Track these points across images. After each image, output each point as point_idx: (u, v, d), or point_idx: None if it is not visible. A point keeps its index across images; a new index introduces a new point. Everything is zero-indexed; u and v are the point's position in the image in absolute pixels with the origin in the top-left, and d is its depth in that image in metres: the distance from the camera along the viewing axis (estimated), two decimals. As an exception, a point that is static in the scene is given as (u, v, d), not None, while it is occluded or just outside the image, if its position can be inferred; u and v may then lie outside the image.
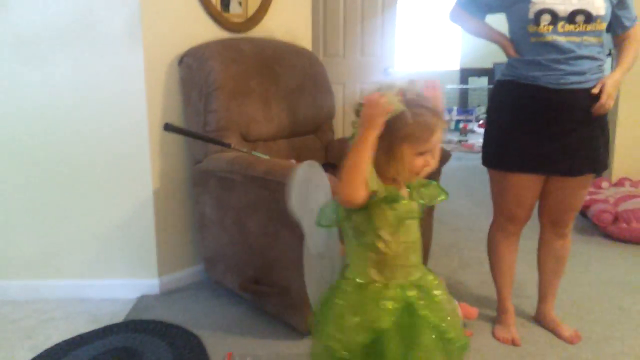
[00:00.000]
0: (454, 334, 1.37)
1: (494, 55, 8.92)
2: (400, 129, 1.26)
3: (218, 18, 2.75)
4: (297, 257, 2.13)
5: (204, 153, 2.49)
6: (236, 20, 2.85)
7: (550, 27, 1.93)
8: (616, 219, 3.42)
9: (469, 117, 8.73)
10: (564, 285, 2.42)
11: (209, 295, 2.61)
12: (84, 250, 2.58)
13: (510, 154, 2.08)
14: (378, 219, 1.30)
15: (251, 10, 2.92)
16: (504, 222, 2.22)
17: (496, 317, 2.34)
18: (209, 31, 2.72)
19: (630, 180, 3.86)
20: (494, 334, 2.27)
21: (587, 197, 3.70)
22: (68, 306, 2.50)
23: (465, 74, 9.72)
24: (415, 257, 1.37)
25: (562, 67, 1.95)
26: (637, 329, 2.35)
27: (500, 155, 2.12)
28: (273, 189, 2.15)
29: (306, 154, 2.83)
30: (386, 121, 1.22)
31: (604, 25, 1.96)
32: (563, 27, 1.92)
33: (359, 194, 1.23)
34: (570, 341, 2.22)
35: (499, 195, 2.20)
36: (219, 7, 2.76)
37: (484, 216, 2.74)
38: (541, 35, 1.95)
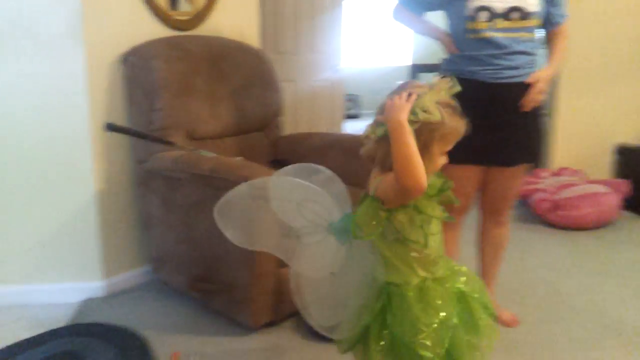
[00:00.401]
0: (491, 305, 1.42)
1: (444, 51, 9.10)
2: (437, 130, 1.29)
3: (163, 16, 2.73)
4: (243, 254, 2.15)
5: (148, 152, 2.47)
6: (182, 18, 2.83)
7: (488, 24, 2.00)
8: (555, 207, 3.57)
9: (420, 112, 8.87)
10: (504, 271, 2.52)
11: (156, 295, 2.60)
12: (26, 255, 2.53)
13: (456, 147, 2.14)
14: (423, 215, 1.30)
15: (199, 8, 2.91)
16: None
17: None
18: (153, 30, 2.70)
19: (569, 169, 4.02)
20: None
21: (528, 187, 3.85)
22: (10, 313, 2.44)
23: (416, 70, 9.88)
24: (442, 248, 1.40)
25: (499, 62, 2.03)
26: (573, 311, 2.48)
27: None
28: (219, 186, 2.15)
29: (254, 151, 2.85)
30: (423, 124, 1.26)
31: (538, 22, 2.06)
32: (500, 23, 2.00)
33: (425, 179, 1.21)
34: (508, 324, 2.32)
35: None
36: (165, 5, 2.74)
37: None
38: (479, 31, 2.02)
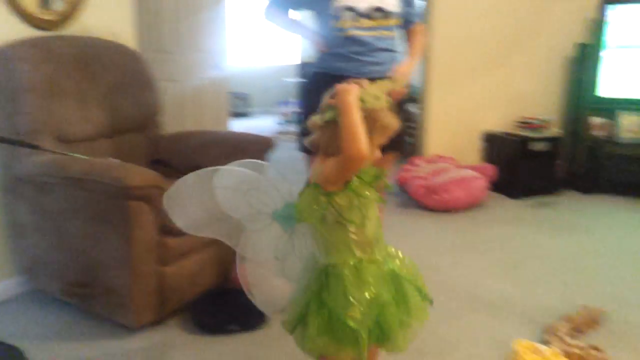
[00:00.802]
0: (425, 288, 1.51)
1: (315, 50, 9.32)
2: (380, 120, 1.36)
3: (26, 16, 2.61)
4: (120, 255, 2.14)
5: (13, 157, 2.37)
6: (48, 17, 2.72)
7: (352, 23, 2.13)
8: (430, 191, 3.83)
9: (309, 109, 9.04)
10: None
11: (32, 305, 2.49)
12: None
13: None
14: (361, 198, 1.38)
15: (71, 7, 2.80)
16: None
17: None
18: (15, 30, 2.57)
19: (442, 156, 4.32)
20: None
21: (406, 174, 4.09)
22: None
23: (305, 69, 10.07)
24: (379, 232, 1.46)
25: (363, 58, 2.18)
26: (444, 283, 2.69)
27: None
28: (92, 188, 2.13)
29: (132, 152, 2.80)
30: (369, 110, 1.34)
31: (398, 21, 2.22)
32: (363, 22, 2.13)
33: (367, 149, 1.28)
34: None
35: None
36: (32, 3, 2.61)
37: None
38: (344, 30, 2.15)
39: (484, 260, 2.98)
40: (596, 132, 4.30)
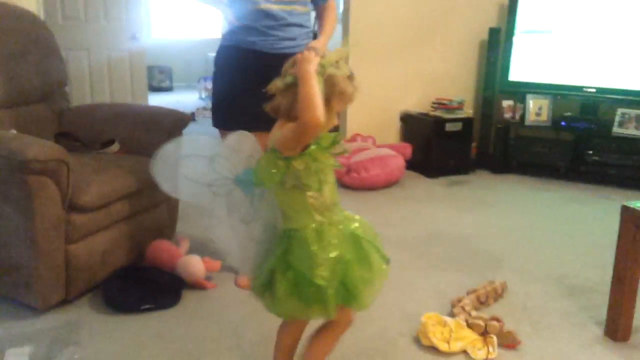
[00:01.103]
0: (382, 249, 1.58)
1: (225, 22, 9.15)
2: (338, 85, 1.39)
3: None
4: (24, 234, 2.02)
5: None
6: None
7: None
8: (349, 170, 3.88)
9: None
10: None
11: None
12: None
13: (237, 114, 2.21)
14: (318, 163, 1.41)
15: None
16: None
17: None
18: None
19: (361, 135, 4.38)
20: (236, 282, 2.44)
21: (327, 153, 4.12)
22: None
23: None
24: (336, 196, 1.50)
25: (276, 32, 2.15)
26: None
27: (228, 115, 2.25)
28: (-11, 162, 1.99)
29: (35, 124, 2.64)
30: (328, 76, 1.37)
31: None
32: None
33: (323, 116, 1.30)
34: None
35: None
36: None
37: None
38: (256, 2, 2.12)
39: (396, 236, 3.07)
40: (506, 115, 4.51)
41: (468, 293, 2.30)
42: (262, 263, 1.49)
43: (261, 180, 1.44)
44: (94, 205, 2.21)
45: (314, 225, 1.44)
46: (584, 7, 4.20)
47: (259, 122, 2.20)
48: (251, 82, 2.17)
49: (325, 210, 1.45)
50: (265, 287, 1.49)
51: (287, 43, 2.17)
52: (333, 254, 1.41)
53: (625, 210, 1.97)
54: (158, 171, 1.47)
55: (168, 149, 1.48)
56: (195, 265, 2.37)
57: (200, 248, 2.63)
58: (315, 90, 1.32)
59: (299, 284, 1.42)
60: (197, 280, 2.35)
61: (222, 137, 2.29)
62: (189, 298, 2.32)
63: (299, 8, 2.18)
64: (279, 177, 1.40)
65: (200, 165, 1.48)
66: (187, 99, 8.28)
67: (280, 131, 1.40)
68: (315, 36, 2.35)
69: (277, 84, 1.44)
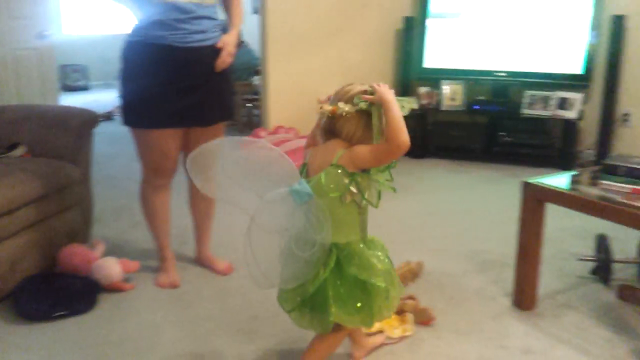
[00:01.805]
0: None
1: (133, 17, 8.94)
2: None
3: None
4: None
5: None
6: None
7: None
8: (272, 162, 3.88)
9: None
10: (221, 224, 2.67)
11: None
12: None
13: (150, 112, 2.17)
14: (378, 182, 1.56)
15: None
16: (152, 177, 2.34)
17: (159, 266, 2.47)
18: None
19: (283, 127, 4.40)
20: (155, 282, 2.40)
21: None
22: None
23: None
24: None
25: (186, 26, 2.11)
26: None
27: (140, 113, 2.19)
28: None
29: None
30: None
31: None
32: None
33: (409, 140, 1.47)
34: (223, 273, 2.49)
35: (144, 152, 2.28)
36: None
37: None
38: None
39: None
40: (424, 101, 4.64)
41: (386, 275, 2.36)
42: (305, 275, 1.52)
43: (323, 193, 1.49)
44: (-4, 212, 2.11)
45: (359, 240, 1.60)
46: (490, -5, 4.39)
47: (176, 118, 2.20)
48: (164, 78, 2.15)
49: (363, 229, 1.63)
50: (301, 302, 1.56)
51: (197, 36, 2.14)
52: (381, 266, 1.59)
53: (525, 186, 2.09)
54: (194, 170, 1.52)
55: (206, 148, 1.52)
56: (111, 267, 2.31)
57: (117, 250, 2.58)
58: (400, 116, 1.46)
59: (353, 290, 1.55)
60: (114, 282, 2.30)
61: (134, 136, 2.25)
62: (106, 301, 2.26)
63: (207, 0, 2.15)
64: (341, 192, 1.51)
65: (251, 170, 1.51)
66: (105, 97, 7.98)
67: (352, 151, 1.51)
68: (224, 28, 2.33)
69: (346, 108, 1.51)
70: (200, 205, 2.52)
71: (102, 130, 5.55)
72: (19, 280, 2.23)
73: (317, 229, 1.48)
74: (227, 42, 2.21)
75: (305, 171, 1.62)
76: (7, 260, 2.19)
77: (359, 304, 1.56)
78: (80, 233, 2.65)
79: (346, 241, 1.56)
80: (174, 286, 2.37)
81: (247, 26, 4.96)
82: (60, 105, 2.83)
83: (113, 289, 2.31)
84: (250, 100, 5.78)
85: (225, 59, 2.21)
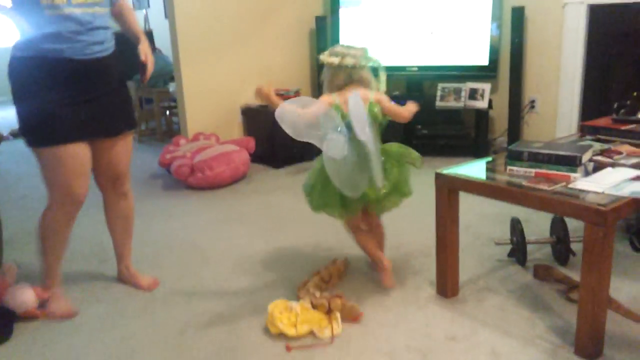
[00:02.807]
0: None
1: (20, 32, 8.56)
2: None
3: None
4: None
5: None
6: None
7: (66, 1, 1.96)
8: (193, 170, 3.81)
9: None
10: (144, 239, 2.60)
11: None
12: None
13: (54, 128, 2.06)
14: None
15: None
16: (63, 203, 2.16)
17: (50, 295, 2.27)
18: None
19: (203, 134, 4.33)
20: (49, 313, 2.23)
21: (169, 156, 4.02)
22: None
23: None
24: None
25: (84, 38, 2.03)
26: (208, 260, 2.71)
27: (44, 131, 2.06)
28: None
29: None
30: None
31: None
32: (76, 0, 1.99)
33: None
34: (148, 288, 2.42)
35: (53, 174, 2.12)
36: None
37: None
38: (57, 7, 1.96)
39: (245, 230, 3.08)
40: (342, 99, 4.70)
41: (313, 275, 2.38)
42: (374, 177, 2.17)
43: (374, 119, 2.24)
44: None
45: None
46: (398, -8, 4.51)
47: (83, 130, 2.11)
48: (65, 91, 2.04)
49: None
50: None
51: (96, 47, 2.07)
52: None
53: (438, 177, 2.16)
54: (280, 119, 1.99)
55: (286, 106, 2.03)
56: (24, 294, 2.18)
57: (31, 275, 2.44)
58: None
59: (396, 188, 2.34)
60: (28, 310, 2.17)
61: (40, 157, 2.10)
62: (22, 330, 2.14)
63: (100, 10, 2.08)
64: (383, 119, 2.33)
65: (317, 118, 2.06)
66: (11, 114, 7.54)
67: (383, 98, 2.32)
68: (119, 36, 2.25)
69: (369, 62, 2.35)
70: (118, 222, 2.44)
71: (8, 149, 5.31)
72: None
73: (373, 148, 2.10)
74: (147, 52, 2.20)
75: (341, 111, 2.13)
76: None
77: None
78: (-11, 260, 2.49)
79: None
80: (72, 314, 2.23)
81: (160, 32, 4.85)
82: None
83: (29, 316, 2.18)
84: (168, 108, 5.65)
85: (151, 69, 2.21)
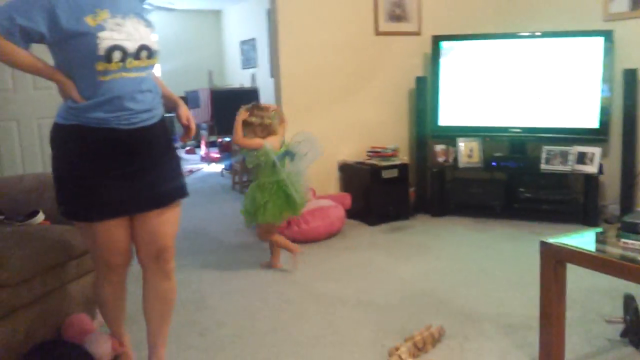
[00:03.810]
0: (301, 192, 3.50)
1: (185, 84, 9.24)
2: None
3: None
4: None
5: None
6: None
7: (120, 64, 1.81)
8: (289, 223, 3.88)
9: (175, 145, 8.85)
10: (238, 288, 2.63)
11: None
12: None
13: (95, 203, 1.90)
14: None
15: None
16: (105, 272, 2.07)
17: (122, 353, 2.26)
18: None
19: (301, 188, 4.42)
20: None
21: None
22: None
23: (169, 103, 9.87)
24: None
25: (130, 105, 1.86)
26: (295, 315, 2.70)
27: (84, 206, 1.91)
28: None
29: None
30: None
31: (157, 60, 1.97)
32: (131, 63, 1.83)
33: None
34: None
35: (94, 247, 2.01)
36: None
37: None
38: (112, 72, 1.81)
39: (337, 289, 3.06)
40: (440, 159, 4.65)
41: (406, 340, 2.30)
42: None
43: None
44: (13, 281, 2.12)
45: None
46: (501, 53, 4.45)
47: (124, 207, 1.94)
48: (106, 165, 1.88)
49: None
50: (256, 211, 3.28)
51: (144, 116, 1.90)
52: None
53: (543, 246, 2.03)
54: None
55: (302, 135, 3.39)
56: (100, 344, 2.22)
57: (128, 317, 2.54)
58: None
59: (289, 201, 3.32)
60: None
61: (81, 229, 2.02)
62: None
63: (149, 74, 1.93)
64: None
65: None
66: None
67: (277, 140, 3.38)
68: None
69: (275, 120, 3.38)
70: (156, 306, 2.15)
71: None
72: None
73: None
74: (189, 117, 2.11)
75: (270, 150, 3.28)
76: (22, 329, 2.18)
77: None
78: (97, 300, 2.63)
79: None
80: None
81: (265, 90, 5.09)
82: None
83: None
84: (268, 162, 5.84)
85: (193, 133, 2.15)
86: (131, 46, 1.82)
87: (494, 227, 4.21)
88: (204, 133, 8.13)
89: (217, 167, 7.44)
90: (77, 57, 1.79)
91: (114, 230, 1.96)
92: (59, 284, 2.38)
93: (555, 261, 2.01)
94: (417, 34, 4.88)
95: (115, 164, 1.89)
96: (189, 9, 10.34)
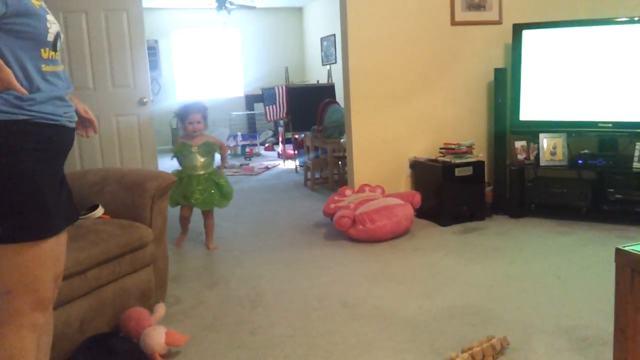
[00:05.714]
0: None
1: (265, 80, 9.34)
2: None
3: None
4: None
5: None
6: None
7: (50, 54, 1.53)
8: (354, 222, 3.76)
9: (254, 142, 9.00)
10: (297, 287, 2.54)
11: None
12: None
13: (52, 213, 1.54)
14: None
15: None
16: (31, 313, 1.55)
17: None
18: None
19: (369, 185, 4.28)
20: None
21: (334, 205, 4.03)
22: None
23: (251, 100, 10.05)
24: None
25: (67, 100, 1.61)
26: (355, 314, 2.59)
27: (41, 218, 1.52)
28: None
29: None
30: None
31: None
32: (55, 54, 1.56)
33: None
34: None
35: (27, 275, 1.52)
36: None
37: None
38: (53, 62, 1.55)
39: (398, 292, 2.90)
40: (520, 156, 4.34)
41: (463, 351, 2.12)
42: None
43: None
44: (67, 272, 2.16)
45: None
46: (592, 41, 4.08)
47: (66, 215, 1.65)
48: (56, 168, 1.60)
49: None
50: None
51: (73, 114, 1.65)
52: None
53: (619, 254, 1.79)
54: None
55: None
56: (154, 338, 2.23)
57: (187, 313, 2.54)
58: None
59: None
60: (153, 354, 2.21)
61: (14, 255, 1.50)
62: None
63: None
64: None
65: None
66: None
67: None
68: None
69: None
70: (43, 339, 1.72)
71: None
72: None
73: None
74: (85, 108, 1.80)
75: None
76: (76, 320, 2.22)
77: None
78: (153, 293, 2.66)
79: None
80: None
81: (341, 86, 5.00)
82: (140, 169, 2.94)
83: (153, 360, 2.24)
84: (340, 158, 5.76)
85: (96, 128, 1.82)
86: (52, 33, 1.54)
87: (577, 230, 3.86)
88: (280, 129, 8.18)
89: (293, 164, 7.45)
90: (22, 40, 1.46)
91: (64, 245, 1.66)
92: (114, 277, 2.41)
93: (632, 270, 1.76)
94: (498, 22, 4.59)
95: (59, 166, 1.62)
96: (271, 7, 10.47)
